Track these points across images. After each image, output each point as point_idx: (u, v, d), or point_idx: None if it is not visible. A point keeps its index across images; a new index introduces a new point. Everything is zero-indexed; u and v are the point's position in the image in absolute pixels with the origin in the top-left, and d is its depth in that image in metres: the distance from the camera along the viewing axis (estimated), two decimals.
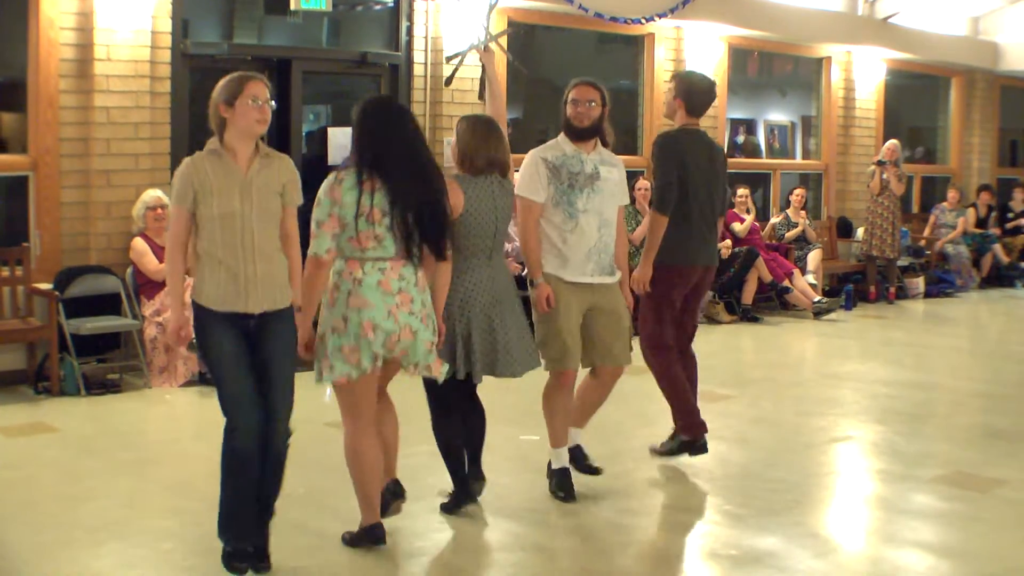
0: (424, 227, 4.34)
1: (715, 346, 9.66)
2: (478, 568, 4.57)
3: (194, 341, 4.27)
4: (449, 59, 7.57)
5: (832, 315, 11.21)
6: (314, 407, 6.26)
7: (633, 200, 10.32)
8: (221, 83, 4.16)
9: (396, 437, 4.84)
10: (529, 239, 5.11)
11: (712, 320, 10.71)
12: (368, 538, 4.53)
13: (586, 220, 5.10)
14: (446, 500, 5.04)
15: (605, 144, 5.30)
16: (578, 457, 5.40)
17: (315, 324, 4.46)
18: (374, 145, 4.34)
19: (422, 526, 4.88)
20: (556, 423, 5.20)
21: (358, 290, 4.31)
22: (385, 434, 4.70)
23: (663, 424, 6.60)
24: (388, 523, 4.63)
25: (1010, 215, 14.88)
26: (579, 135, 5.17)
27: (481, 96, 5.85)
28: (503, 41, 6.46)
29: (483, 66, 5.58)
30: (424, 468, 5.50)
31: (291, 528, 4.69)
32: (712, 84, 5.93)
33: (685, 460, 5.89)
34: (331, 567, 4.42)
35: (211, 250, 4.10)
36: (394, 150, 4.35)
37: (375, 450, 4.49)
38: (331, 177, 4.37)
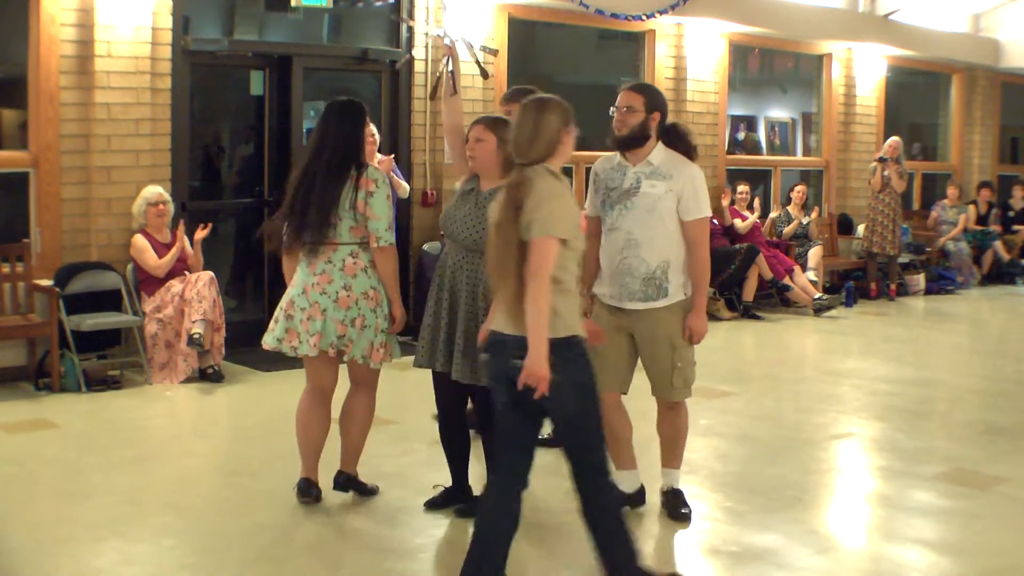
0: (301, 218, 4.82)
1: (716, 343, 9.65)
2: None
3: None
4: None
5: (833, 312, 11.20)
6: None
7: None
8: (557, 106, 3.90)
9: (357, 432, 5.09)
10: (586, 254, 4.79)
11: (713, 317, 10.70)
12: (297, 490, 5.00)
13: (612, 239, 4.82)
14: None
15: (688, 154, 4.85)
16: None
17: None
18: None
19: (421, 523, 4.88)
20: (611, 446, 4.86)
21: (297, 270, 4.97)
22: (345, 425, 5.10)
23: None
24: (389, 518, 4.64)
25: (1011, 213, 14.88)
26: (618, 144, 4.85)
27: (435, 95, 5.52)
28: (486, 59, 6.17)
29: (450, 59, 5.37)
30: (422, 465, 5.51)
31: (306, 518, 4.69)
32: None
33: (685, 457, 5.88)
34: (331, 560, 4.42)
35: (567, 282, 3.84)
36: (309, 149, 4.93)
37: (309, 416, 5.00)
38: None
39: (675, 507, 5.02)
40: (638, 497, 5.09)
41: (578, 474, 3.88)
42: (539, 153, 3.84)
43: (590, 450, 3.87)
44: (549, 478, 5.10)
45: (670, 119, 5.03)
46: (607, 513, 3.92)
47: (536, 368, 3.63)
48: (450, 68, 5.31)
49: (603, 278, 4.88)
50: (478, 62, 5.84)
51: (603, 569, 3.95)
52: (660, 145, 4.82)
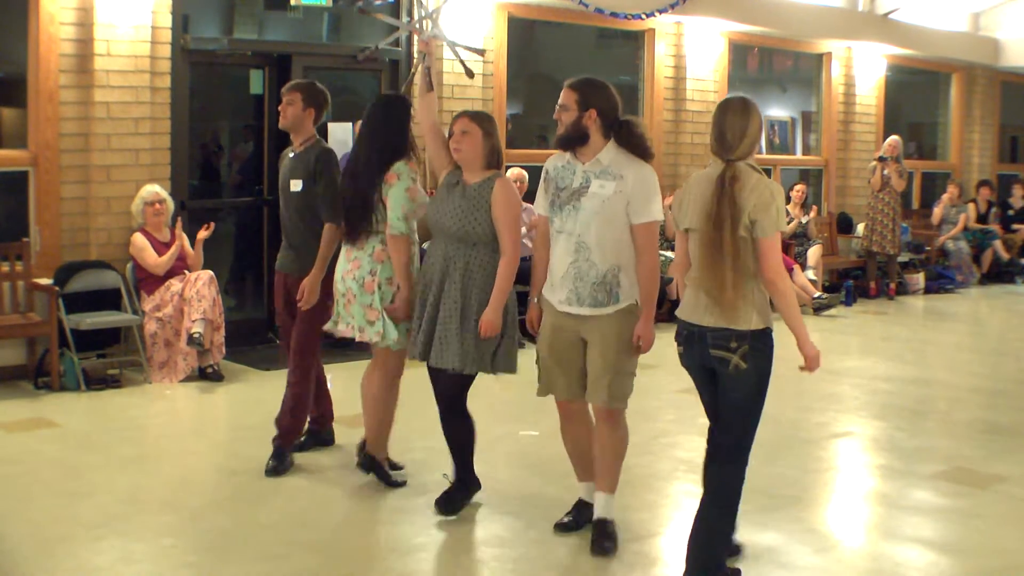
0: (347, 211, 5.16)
1: None
2: (478, 563, 4.57)
3: None
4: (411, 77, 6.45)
5: (832, 311, 11.20)
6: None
7: None
8: (758, 108, 4.21)
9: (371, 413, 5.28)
10: (534, 254, 4.82)
11: None
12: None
13: (562, 241, 4.56)
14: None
15: (638, 151, 4.53)
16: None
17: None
18: None
19: (421, 522, 4.88)
20: (574, 459, 4.86)
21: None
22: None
23: (664, 420, 6.62)
24: (389, 516, 4.63)
25: (1010, 212, 14.88)
26: (556, 143, 4.62)
27: (409, 90, 5.29)
28: (470, 61, 5.65)
29: (425, 55, 5.25)
30: (424, 464, 5.50)
31: (306, 517, 4.69)
32: None
33: (684, 456, 5.89)
34: (330, 559, 4.42)
35: None
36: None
37: (366, 389, 5.29)
38: None
39: (598, 539, 4.60)
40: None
41: (719, 446, 4.19)
42: (747, 150, 4.09)
43: (744, 431, 4.15)
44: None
45: (671, 117, 4.99)
46: (722, 490, 4.21)
47: (815, 352, 4.15)
48: (426, 64, 5.18)
49: (553, 283, 4.60)
50: (462, 61, 5.56)
51: (697, 539, 4.19)
52: (611, 143, 4.52)
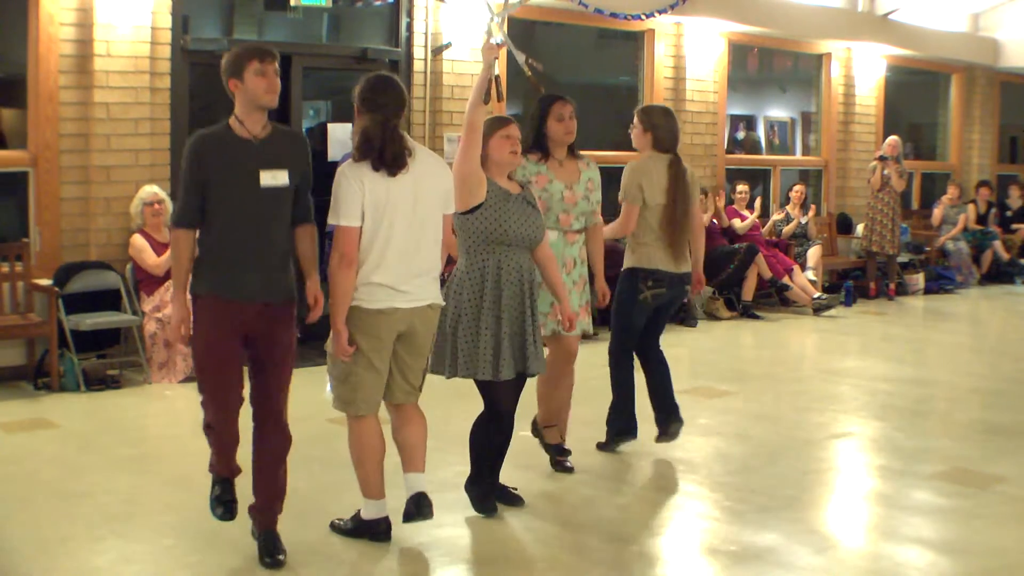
0: None
1: (715, 342, 9.66)
2: (477, 563, 4.57)
3: None
4: (440, 49, 6.09)
5: (832, 311, 11.20)
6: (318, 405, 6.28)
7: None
8: None
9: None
10: None
11: (712, 316, 10.72)
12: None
13: None
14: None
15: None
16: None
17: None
18: None
19: (423, 523, 4.87)
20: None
21: None
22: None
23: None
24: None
25: (1008, 212, 14.88)
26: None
27: (487, 98, 4.84)
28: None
29: (496, 61, 4.93)
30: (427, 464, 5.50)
31: (306, 518, 4.69)
32: None
33: (684, 456, 5.90)
34: (330, 560, 4.42)
35: None
36: None
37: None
38: None
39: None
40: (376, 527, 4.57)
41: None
42: None
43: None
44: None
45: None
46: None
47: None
48: (496, 73, 4.90)
49: None
50: (496, 82, 5.05)
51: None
52: None
